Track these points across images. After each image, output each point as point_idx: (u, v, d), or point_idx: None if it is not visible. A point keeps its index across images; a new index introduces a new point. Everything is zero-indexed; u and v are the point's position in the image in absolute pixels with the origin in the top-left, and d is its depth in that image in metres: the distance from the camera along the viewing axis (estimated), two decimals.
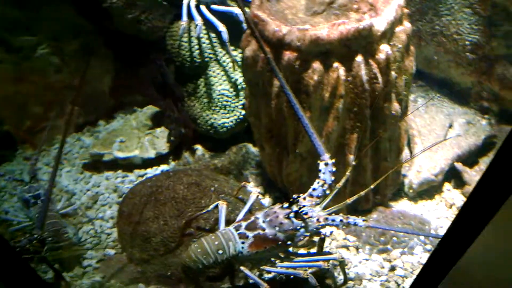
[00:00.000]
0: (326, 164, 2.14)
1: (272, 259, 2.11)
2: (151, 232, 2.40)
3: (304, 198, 2.11)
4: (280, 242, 2.04)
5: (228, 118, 3.04)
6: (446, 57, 3.17)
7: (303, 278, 1.98)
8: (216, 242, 2.05)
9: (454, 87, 3.26)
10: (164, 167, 3.12)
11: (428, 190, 2.80)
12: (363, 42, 2.19)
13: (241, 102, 3.04)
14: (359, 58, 2.22)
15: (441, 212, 2.70)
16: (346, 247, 2.52)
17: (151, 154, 3.12)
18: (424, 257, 2.41)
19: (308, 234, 2.09)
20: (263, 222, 2.07)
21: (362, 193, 2.13)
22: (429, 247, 2.47)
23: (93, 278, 2.44)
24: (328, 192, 2.13)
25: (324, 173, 2.14)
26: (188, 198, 2.41)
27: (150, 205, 2.44)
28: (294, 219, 2.05)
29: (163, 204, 2.42)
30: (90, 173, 3.13)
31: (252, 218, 2.11)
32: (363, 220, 2.03)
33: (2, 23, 3.09)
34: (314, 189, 2.13)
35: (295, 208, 2.06)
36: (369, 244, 2.50)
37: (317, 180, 2.14)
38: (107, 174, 3.09)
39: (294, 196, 2.11)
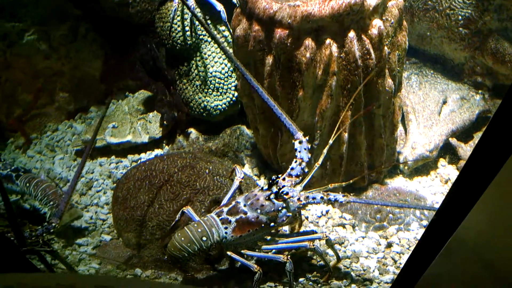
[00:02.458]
0: (301, 142, 2.14)
1: (258, 242, 2.12)
2: (146, 216, 2.39)
3: (284, 179, 2.12)
4: (263, 225, 2.06)
5: (221, 100, 3.01)
6: (439, 33, 3.14)
7: (283, 262, 2.00)
8: (199, 230, 2.05)
9: (447, 63, 3.24)
10: (158, 151, 3.10)
11: (423, 166, 2.80)
12: (355, 17, 2.16)
13: (233, 84, 3.01)
14: (352, 34, 2.19)
15: (436, 188, 2.70)
16: (343, 225, 2.52)
17: (144, 139, 3.09)
18: (420, 233, 2.42)
19: (290, 214, 2.11)
20: (245, 206, 2.07)
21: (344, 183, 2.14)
22: (425, 223, 2.47)
23: (90, 264, 2.43)
24: (306, 170, 2.14)
25: (300, 151, 2.14)
26: (182, 181, 2.40)
27: (145, 189, 2.42)
28: (275, 200, 2.06)
29: (158, 187, 2.40)
30: None
31: (233, 203, 2.11)
32: (343, 196, 2.05)
33: None
34: (292, 169, 2.14)
35: (275, 189, 2.07)
36: (365, 222, 2.51)
37: (294, 159, 2.14)
38: (100, 160, 3.07)
39: (273, 177, 2.12)
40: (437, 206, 2.56)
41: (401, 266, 2.28)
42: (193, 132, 3.09)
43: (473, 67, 3.11)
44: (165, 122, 3.11)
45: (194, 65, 3.02)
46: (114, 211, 2.54)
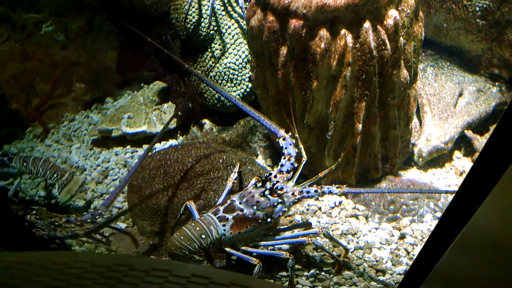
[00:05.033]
0: (284, 139, 2.19)
1: (256, 238, 2.15)
2: (161, 205, 2.42)
3: (275, 176, 2.15)
4: (260, 220, 2.09)
5: (235, 91, 3.02)
6: (456, 25, 3.11)
7: (285, 258, 2.03)
8: (198, 228, 2.08)
9: (464, 55, 3.20)
10: (172, 141, 3.13)
11: (438, 158, 2.78)
12: (371, 7, 2.15)
13: (247, 75, 3.02)
14: (367, 25, 2.18)
15: (451, 180, 2.68)
16: (356, 216, 2.52)
17: (159, 129, 3.12)
18: (434, 225, 2.41)
19: (286, 209, 2.14)
20: (240, 203, 2.11)
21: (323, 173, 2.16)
22: (439, 214, 2.46)
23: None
24: (296, 165, 2.17)
25: (286, 148, 2.19)
26: (197, 170, 2.42)
27: (160, 178, 2.45)
28: (270, 196, 2.10)
29: (172, 176, 2.43)
30: (100, 149, 3.16)
31: (229, 201, 2.14)
32: (337, 188, 2.07)
33: (5, 0, 3.07)
34: (282, 165, 2.18)
35: (269, 185, 2.10)
36: (379, 213, 2.51)
37: (283, 156, 2.18)
38: (116, 150, 3.11)
39: (266, 174, 2.16)
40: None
41: (415, 257, 2.27)
42: (207, 123, 3.12)
43: (490, 59, 3.07)
44: (179, 112, 3.14)
45: (208, 57, 3.04)
46: (129, 200, 2.58)
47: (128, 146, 3.13)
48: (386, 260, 2.27)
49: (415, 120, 2.83)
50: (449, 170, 2.76)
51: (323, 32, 2.18)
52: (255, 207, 2.09)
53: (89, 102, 3.55)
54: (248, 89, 3.02)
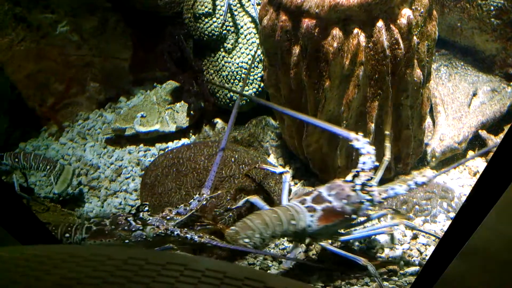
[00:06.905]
0: (358, 140, 2.13)
1: (336, 235, 2.10)
2: (173, 203, 2.44)
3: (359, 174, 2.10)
4: (346, 215, 2.02)
5: (247, 91, 3.03)
6: (470, 24, 3.08)
7: (363, 265, 1.97)
8: (289, 213, 2.00)
9: (478, 55, 3.17)
10: (185, 140, 3.15)
11: (451, 159, 2.76)
12: (384, 6, 2.14)
13: (260, 74, 3.03)
14: (380, 24, 2.17)
15: (464, 180, 2.66)
16: None
17: (172, 128, 3.15)
18: (447, 225, 2.40)
19: (372, 208, 2.08)
20: (329, 195, 2.04)
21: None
22: (452, 215, 2.44)
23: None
24: (377, 163, 2.12)
25: (363, 148, 2.11)
26: (209, 168, 2.43)
27: (172, 176, 2.48)
28: (359, 192, 2.04)
29: (185, 175, 2.45)
30: (113, 148, 3.20)
31: (316, 192, 2.08)
32: (423, 176, 2.04)
33: (21, 0, 3.12)
34: (364, 163, 2.10)
35: (358, 181, 2.05)
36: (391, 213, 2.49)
37: (362, 155, 2.11)
38: (129, 148, 3.15)
39: (356, 170, 2.09)
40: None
41: (427, 257, 2.26)
42: (219, 122, 3.13)
43: (504, 59, 3.04)
44: (192, 112, 3.16)
45: (220, 56, 3.05)
46: (142, 197, 2.61)
47: (141, 145, 3.16)
48: (398, 260, 2.26)
49: (428, 120, 2.81)
50: (463, 170, 2.73)
51: (336, 31, 2.18)
52: (344, 201, 2.02)
53: (103, 101, 3.59)
54: (260, 89, 3.03)
